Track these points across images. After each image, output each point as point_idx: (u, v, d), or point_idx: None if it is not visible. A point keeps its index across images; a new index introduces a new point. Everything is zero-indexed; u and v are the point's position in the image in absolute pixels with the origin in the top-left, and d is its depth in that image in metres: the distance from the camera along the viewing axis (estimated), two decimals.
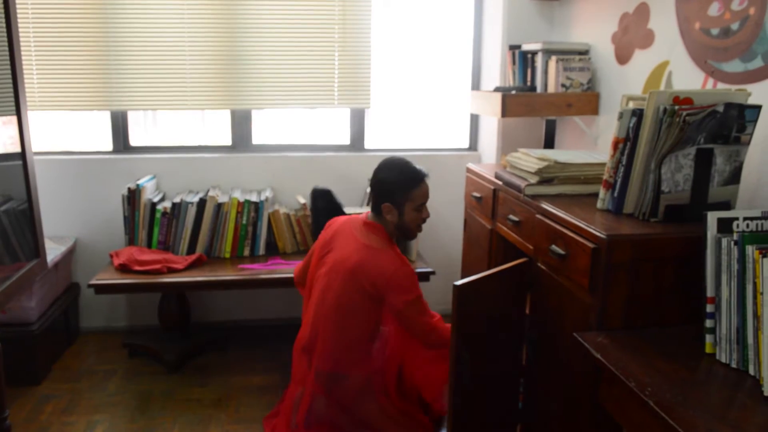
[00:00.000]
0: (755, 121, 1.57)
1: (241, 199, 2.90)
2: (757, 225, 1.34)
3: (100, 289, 2.64)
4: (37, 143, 2.78)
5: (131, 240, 2.91)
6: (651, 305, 1.51)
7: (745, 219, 1.34)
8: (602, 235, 1.49)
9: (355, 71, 3.10)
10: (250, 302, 3.26)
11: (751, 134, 1.59)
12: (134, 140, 3.20)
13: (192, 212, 2.87)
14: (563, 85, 2.52)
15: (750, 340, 1.25)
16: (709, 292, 1.35)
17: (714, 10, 1.85)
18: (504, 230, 2.17)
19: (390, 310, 2.10)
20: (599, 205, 1.73)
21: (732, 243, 1.29)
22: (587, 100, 2.52)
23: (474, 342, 1.76)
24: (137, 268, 2.71)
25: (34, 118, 3.04)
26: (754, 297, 1.24)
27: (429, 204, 2.23)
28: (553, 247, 1.71)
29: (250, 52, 3.02)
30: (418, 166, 2.17)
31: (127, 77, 2.97)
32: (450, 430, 1.76)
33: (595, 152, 2.16)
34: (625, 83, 2.34)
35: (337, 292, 2.07)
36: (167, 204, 2.88)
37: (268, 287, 2.86)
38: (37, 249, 2.23)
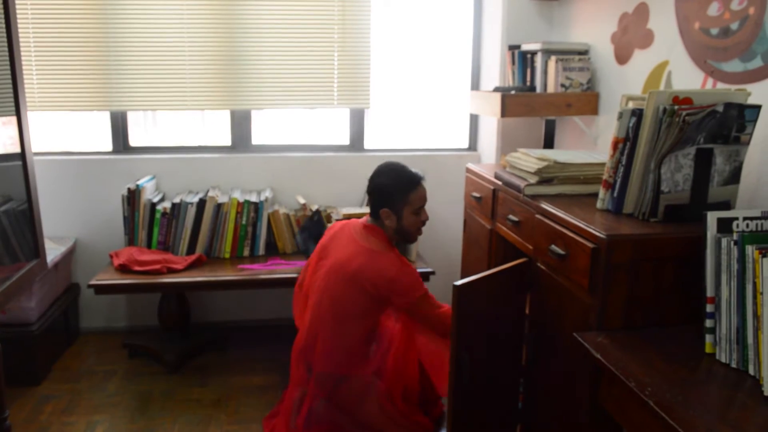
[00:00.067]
0: (755, 120, 1.57)
1: (241, 200, 2.90)
2: (756, 225, 1.34)
3: (100, 289, 2.64)
4: (36, 144, 2.78)
5: (131, 240, 2.91)
6: (651, 305, 1.51)
7: (744, 219, 1.34)
8: (602, 235, 1.49)
9: (355, 71, 3.10)
10: (249, 302, 3.26)
11: (751, 134, 1.59)
12: (134, 140, 3.20)
13: (192, 212, 2.87)
14: (563, 85, 2.52)
15: (750, 340, 1.25)
16: (709, 292, 1.35)
17: (713, 9, 1.85)
18: (504, 230, 2.17)
19: (399, 309, 2.11)
20: (599, 205, 1.73)
21: (732, 243, 1.29)
22: (587, 100, 2.52)
23: (474, 342, 1.76)
24: (137, 268, 2.71)
25: (33, 118, 3.04)
26: (754, 297, 1.24)
27: (429, 204, 2.23)
28: (553, 247, 1.71)
29: (250, 52, 3.02)
30: (414, 170, 2.17)
31: (127, 77, 2.97)
32: (450, 430, 1.76)
33: (594, 152, 2.16)
34: (624, 83, 2.34)
35: (336, 294, 2.07)
36: (167, 204, 2.88)
37: (267, 287, 2.86)
38: (36, 249, 2.23)
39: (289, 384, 2.23)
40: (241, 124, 3.21)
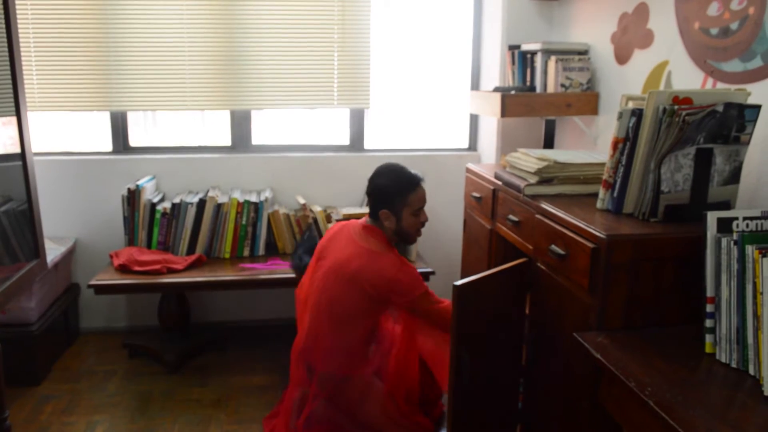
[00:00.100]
0: (755, 120, 1.57)
1: (241, 200, 2.90)
2: (756, 225, 1.34)
3: (100, 289, 2.64)
4: (36, 144, 2.78)
5: (131, 240, 2.91)
6: (651, 305, 1.51)
7: (744, 219, 1.34)
8: (602, 235, 1.49)
9: (355, 71, 3.10)
10: (249, 302, 3.26)
11: (751, 134, 1.59)
12: (134, 141, 3.20)
13: (192, 213, 2.87)
14: (563, 85, 2.52)
15: (750, 339, 1.25)
16: (709, 292, 1.35)
17: (713, 9, 1.85)
18: (504, 230, 2.17)
19: (400, 308, 2.11)
20: (599, 205, 1.73)
21: (732, 243, 1.29)
22: (587, 100, 2.52)
23: (474, 342, 1.76)
24: (137, 268, 2.71)
25: (33, 118, 3.04)
26: (754, 297, 1.24)
27: (429, 204, 2.23)
28: (553, 247, 1.71)
29: (250, 52, 3.02)
30: (413, 171, 2.17)
31: (127, 78, 2.97)
32: (450, 430, 1.76)
33: (594, 152, 2.16)
34: (624, 83, 2.34)
35: (335, 295, 2.07)
36: (167, 204, 2.88)
37: (267, 287, 2.86)
38: (36, 249, 2.23)
39: (289, 384, 2.23)
40: (241, 124, 3.21)
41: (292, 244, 3.02)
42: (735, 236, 1.29)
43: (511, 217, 2.07)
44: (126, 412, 2.47)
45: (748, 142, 1.60)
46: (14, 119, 2.10)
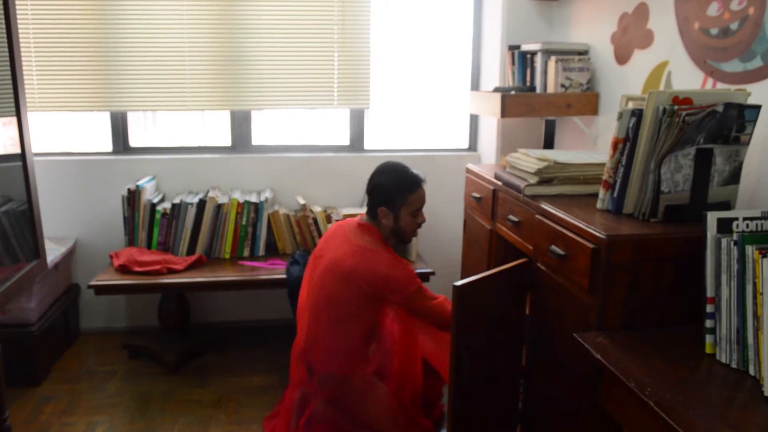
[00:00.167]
0: (755, 120, 1.57)
1: (241, 200, 2.90)
2: (756, 225, 1.34)
3: (100, 290, 2.64)
4: (36, 144, 2.78)
5: (131, 241, 2.91)
6: (651, 305, 1.51)
7: (744, 219, 1.34)
8: (602, 236, 1.49)
9: (355, 72, 3.10)
10: (249, 303, 3.26)
11: (751, 134, 1.59)
12: (134, 141, 3.20)
13: (192, 213, 2.87)
14: (563, 86, 2.52)
15: (750, 340, 1.25)
16: (709, 293, 1.35)
17: (713, 10, 1.85)
18: (504, 231, 2.17)
19: (396, 305, 2.11)
20: (599, 205, 1.73)
21: (732, 243, 1.29)
22: (587, 101, 2.52)
23: (474, 342, 1.76)
24: (137, 269, 2.71)
25: (33, 119, 3.04)
26: (754, 297, 1.24)
27: (429, 205, 2.23)
28: (553, 247, 1.71)
29: (250, 52, 3.02)
30: (415, 171, 2.17)
31: (127, 78, 2.97)
32: (450, 431, 1.76)
33: (594, 152, 2.16)
34: (624, 83, 2.34)
35: (331, 293, 2.07)
36: (167, 205, 2.88)
37: (267, 288, 2.86)
38: (37, 250, 2.23)
39: (289, 384, 2.23)
40: (241, 124, 3.21)
41: (292, 244, 3.02)
42: (735, 236, 1.29)
43: (511, 217, 2.07)
44: (126, 413, 2.47)
45: (748, 143, 1.60)
46: (14, 119, 2.10)
